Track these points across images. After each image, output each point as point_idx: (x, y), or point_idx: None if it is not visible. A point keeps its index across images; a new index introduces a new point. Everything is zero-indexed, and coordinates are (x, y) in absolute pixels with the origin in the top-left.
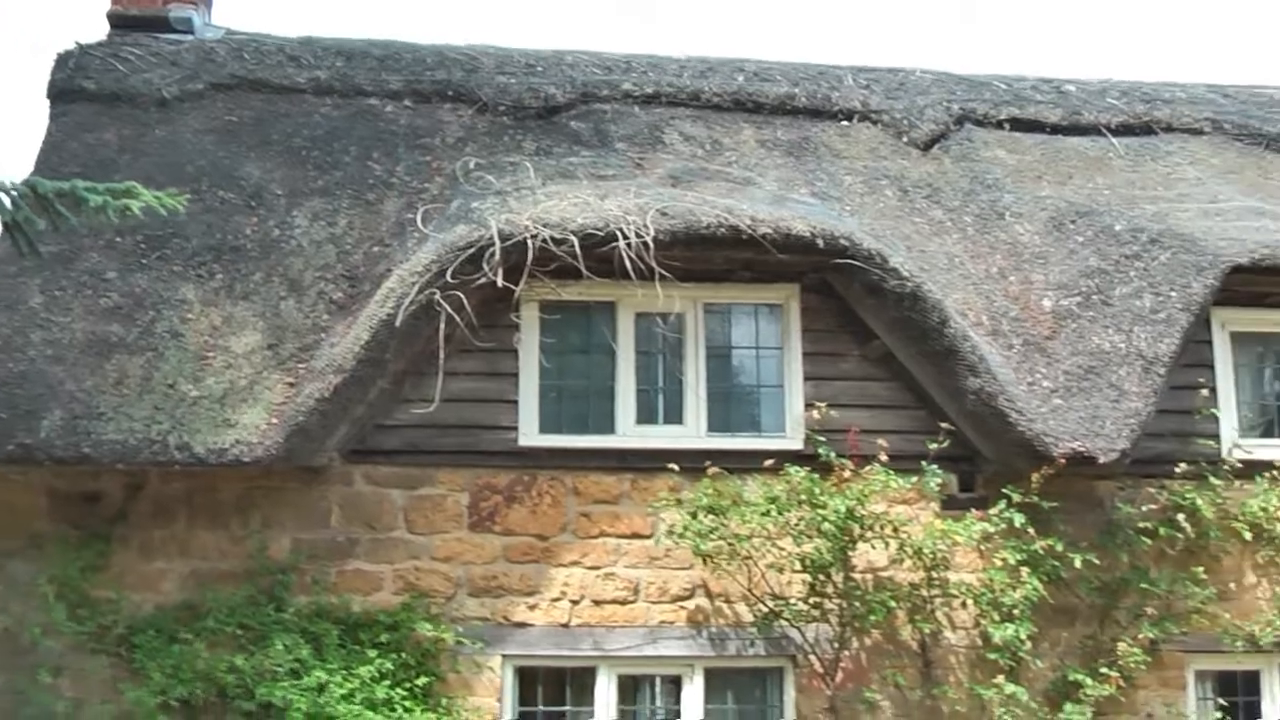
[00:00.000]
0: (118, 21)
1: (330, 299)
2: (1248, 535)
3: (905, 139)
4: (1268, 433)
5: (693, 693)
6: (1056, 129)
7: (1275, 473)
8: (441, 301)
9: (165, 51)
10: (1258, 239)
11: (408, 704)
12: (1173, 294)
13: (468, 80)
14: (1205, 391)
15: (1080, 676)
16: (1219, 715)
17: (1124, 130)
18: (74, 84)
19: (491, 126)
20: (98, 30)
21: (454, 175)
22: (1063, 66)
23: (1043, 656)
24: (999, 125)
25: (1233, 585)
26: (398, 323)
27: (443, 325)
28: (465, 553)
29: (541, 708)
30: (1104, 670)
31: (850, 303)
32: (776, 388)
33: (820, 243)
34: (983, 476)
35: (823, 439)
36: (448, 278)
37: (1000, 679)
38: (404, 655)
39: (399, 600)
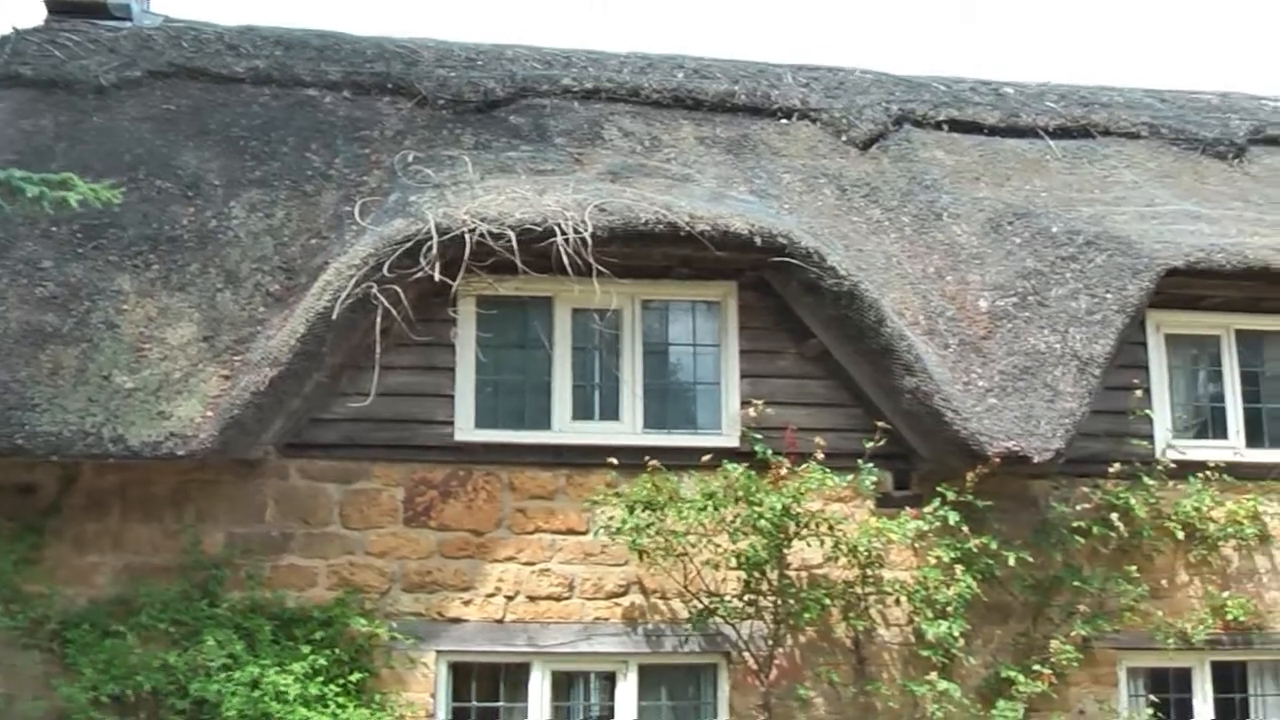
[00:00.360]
0: (55, 7)
1: (267, 291)
2: (1180, 535)
3: (844, 138)
4: (1201, 434)
5: (627, 689)
6: (994, 131)
7: (1208, 473)
8: (378, 295)
9: (103, 38)
10: (1193, 242)
11: (341, 700)
12: (1108, 296)
13: (407, 73)
14: (1140, 393)
15: (1013, 673)
16: (1150, 712)
17: (1062, 133)
18: (10, 70)
19: (430, 120)
20: (35, 16)
21: (392, 168)
22: (1013, 70)
23: (976, 653)
24: (937, 126)
25: (1165, 584)
26: (334, 316)
27: (379, 319)
28: (400, 548)
29: (476, 704)
30: (1037, 667)
31: (788, 301)
32: (713, 385)
33: (758, 240)
34: (918, 475)
35: (759, 436)
36: (385, 271)
37: (933, 676)
38: (338, 651)
39: (333, 596)
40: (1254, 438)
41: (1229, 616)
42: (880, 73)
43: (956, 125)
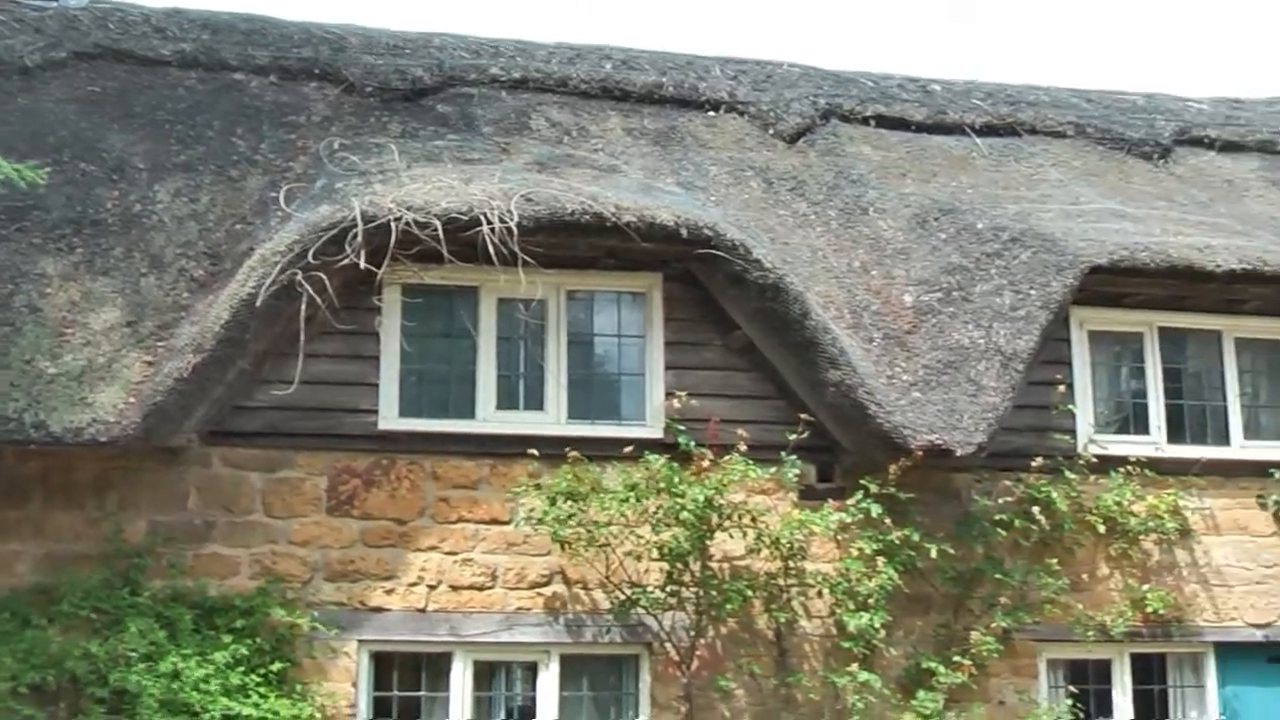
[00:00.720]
0: None
1: (191, 276)
2: (1101, 528)
3: (771, 131)
4: (1123, 429)
5: (548, 679)
6: (921, 127)
7: (1130, 468)
8: (303, 282)
9: (28, 18)
10: (1117, 240)
11: (262, 690)
12: (1032, 292)
13: (335, 59)
14: (1062, 388)
15: (933, 664)
16: (1070, 703)
17: (988, 131)
18: None
19: (357, 107)
20: None
21: (318, 155)
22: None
23: (897, 645)
24: (865, 121)
25: (1086, 577)
26: (258, 303)
27: (304, 306)
28: (323, 537)
29: (397, 693)
30: (957, 658)
31: (713, 293)
32: (638, 376)
33: (684, 232)
34: (841, 468)
35: (683, 428)
36: (310, 258)
37: (854, 667)
38: (259, 641)
39: (255, 585)
40: (1175, 434)
41: (1149, 609)
42: (808, 67)
43: (884, 121)
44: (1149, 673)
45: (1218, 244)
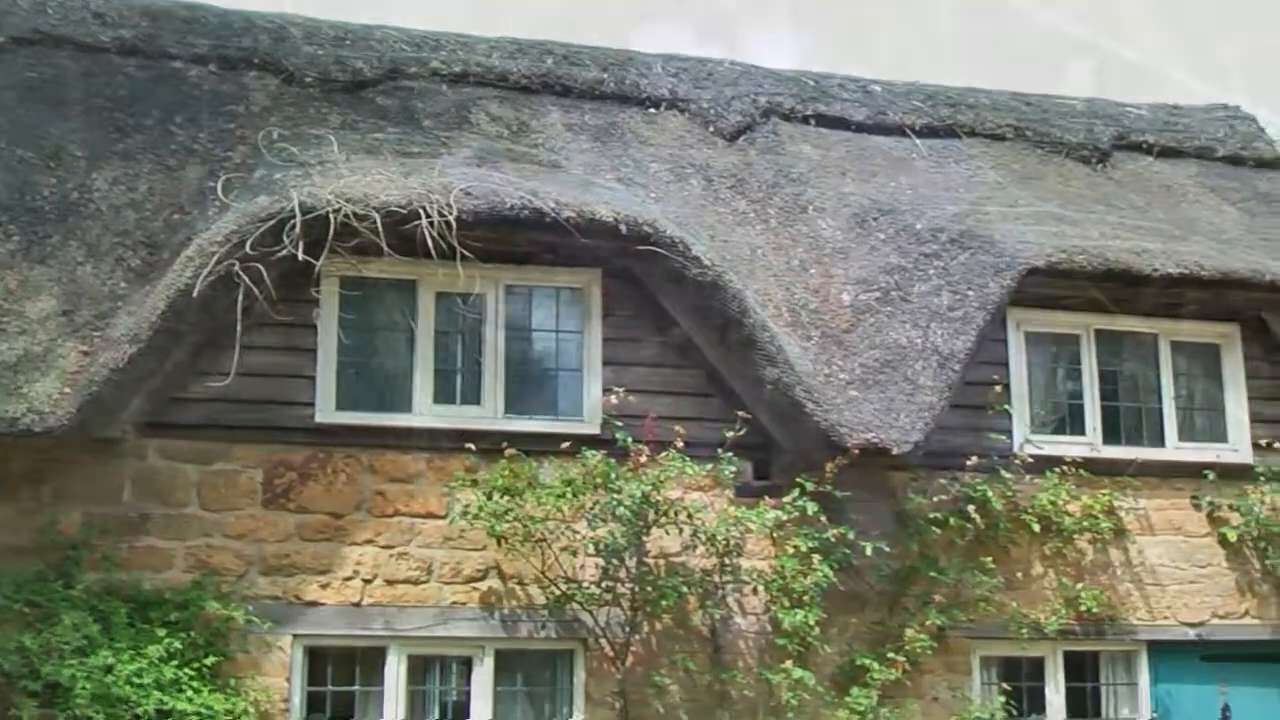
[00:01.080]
0: None
1: (129, 266)
2: (1036, 527)
3: (712, 129)
4: (1059, 430)
5: (483, 674)
6: (862, 127)
7: (1065, 468)
8: (241, 273)
9: None
10: (1054, 243)
11: (196, 684)
12: (970, 293)
13: (275, 49)
14: (999, 388)
15: (868, 661)
16: (1003, 700)
17: (928, 132)
18: None
19: (297, 98)
20: None
21: (257, 145)
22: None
23: (831, 642)
24: (805, 120)
25: (1020, 575)
26: (195, 293)
27: (241, 298)
28: (258, 530)
29: (331, 688)
30: (891, 655)
31: (652, 289)
32: (575, 371)
33: (623, 228)
34: (778, 465)
35: (620, 424)
36: (248, 249)
37: (789, 664)
38: (193, 634)
39: (190, 578)
40: (1111, 435)
41: (1082, 608)
42: (749, 65)
43: (824, 120)
44: (1082, 670)
45: (1154, 248)
